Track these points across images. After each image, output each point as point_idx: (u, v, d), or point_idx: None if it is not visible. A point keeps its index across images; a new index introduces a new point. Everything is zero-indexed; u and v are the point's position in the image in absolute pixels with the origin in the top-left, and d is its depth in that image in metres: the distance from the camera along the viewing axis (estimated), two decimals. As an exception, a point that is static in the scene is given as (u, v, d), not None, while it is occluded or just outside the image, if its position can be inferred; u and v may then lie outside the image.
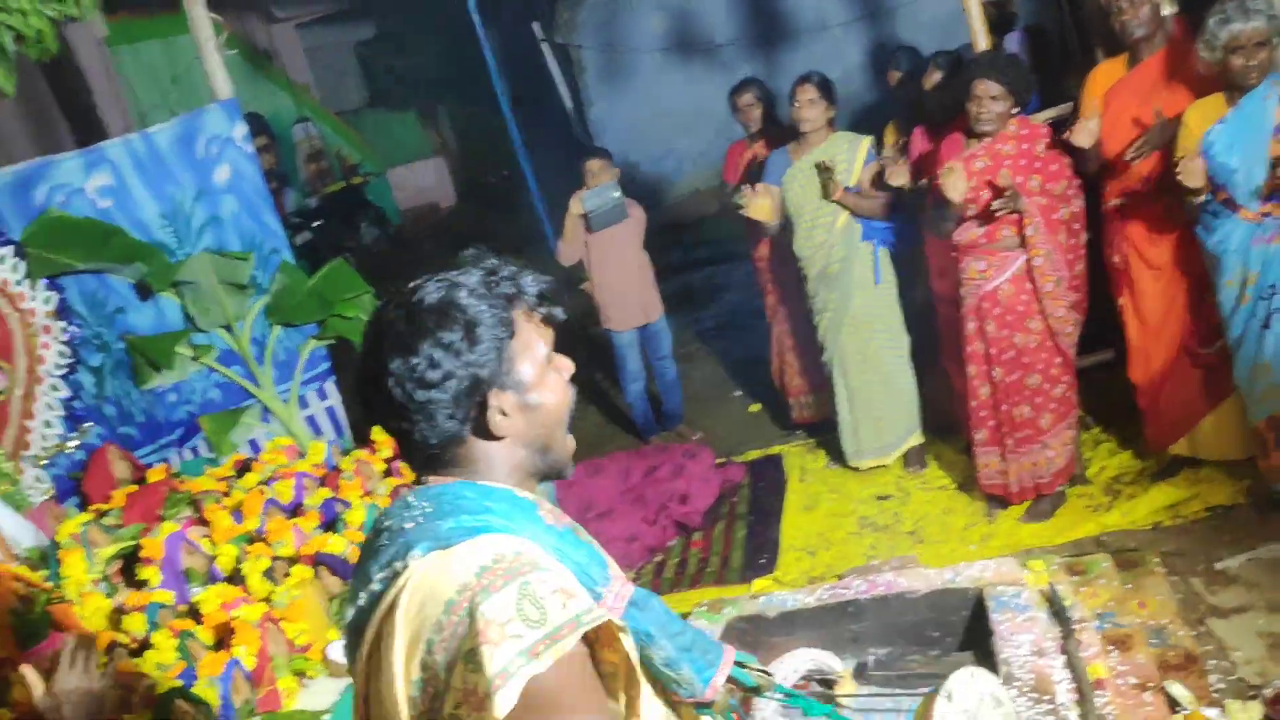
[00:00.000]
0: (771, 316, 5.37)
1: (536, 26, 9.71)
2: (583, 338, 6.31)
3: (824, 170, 4.44)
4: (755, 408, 5.96)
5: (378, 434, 4.86)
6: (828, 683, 2.12)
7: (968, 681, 2.09)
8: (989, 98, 3.83)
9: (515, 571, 1.25)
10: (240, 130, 5.20)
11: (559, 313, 1.50)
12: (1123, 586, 3.40)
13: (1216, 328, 3.86)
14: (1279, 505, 3.77)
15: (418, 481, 1.48)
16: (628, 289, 5.51)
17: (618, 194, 5.30)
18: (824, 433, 5.18)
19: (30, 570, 3.75)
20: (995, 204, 3.82)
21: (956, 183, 3.84)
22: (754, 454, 5.45)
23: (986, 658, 2.93)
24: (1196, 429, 4.05)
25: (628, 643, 1.34)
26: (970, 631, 3.18)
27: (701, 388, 6.30)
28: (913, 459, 4.85)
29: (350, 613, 1.43)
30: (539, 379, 1.45)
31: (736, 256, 8.05)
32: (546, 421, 1.46)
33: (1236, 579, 3.55)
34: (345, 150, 11.40)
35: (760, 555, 4.55)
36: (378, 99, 13.16)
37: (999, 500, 4.32)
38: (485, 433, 1.41)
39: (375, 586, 1.36)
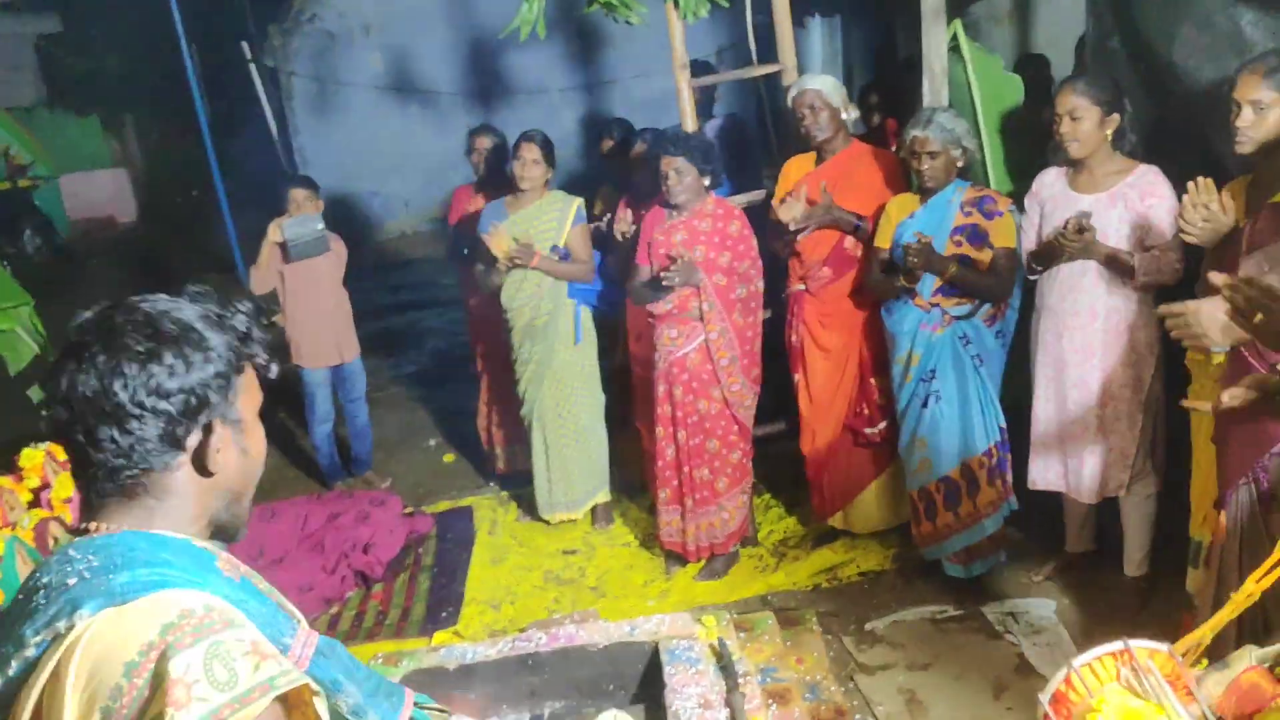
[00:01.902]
0: (481, 365, 5.35)
1: (245, 46, 9.28)
2: (267, 373, 6.00)
3: (518, 252, 4.50)
4: (449, 457, 5.89)
5: (26, 459, 4.37)
6: None
7: None
8: (674, 170, 4.07)
9: (205, 629, 1.17)
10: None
11: (275, 370, 1.47)
12: (784, 643, 3.63)
13: (880, 409, 4.26)
14: (924, 571, 4.16)
15: (79, 531, 1.34)
16: (323, 325, 5.32)
17: (320, 226, 5.13)
18: (520, 485, 5.20)
19: None
20: (664, 274, 4.03)
21: (685, 270, 4.02)
22: (444, 504, 5.37)
23: (658, 709, 3.01)
24: (853, 504, 4.43)
25: (321, 706, 1.29)
26: (644, 684, 3.26)
27: (394, 434, 6.16)
28: (600, 515, 4.96)
29: None
30: (253, 427, 1.42)
31: (441, 303, 8.00)
32: (248, 472, 1.42)
33: (882, 639, 3.87)
34: (15, 149, 10.34)
35: (443, 608, 4.46)
36: (56, 98, 12.06)
37: (678, 558, 4.49)
38: (199, 464, 1.34)
39: (30, 652, 1.21)
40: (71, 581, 1.23)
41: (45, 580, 1.26)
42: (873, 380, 4.24)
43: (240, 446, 1.39)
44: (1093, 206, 3.50)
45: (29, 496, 4.15)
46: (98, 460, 1.30)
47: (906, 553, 4.30)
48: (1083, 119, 3.45)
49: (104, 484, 1.32)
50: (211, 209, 9.20)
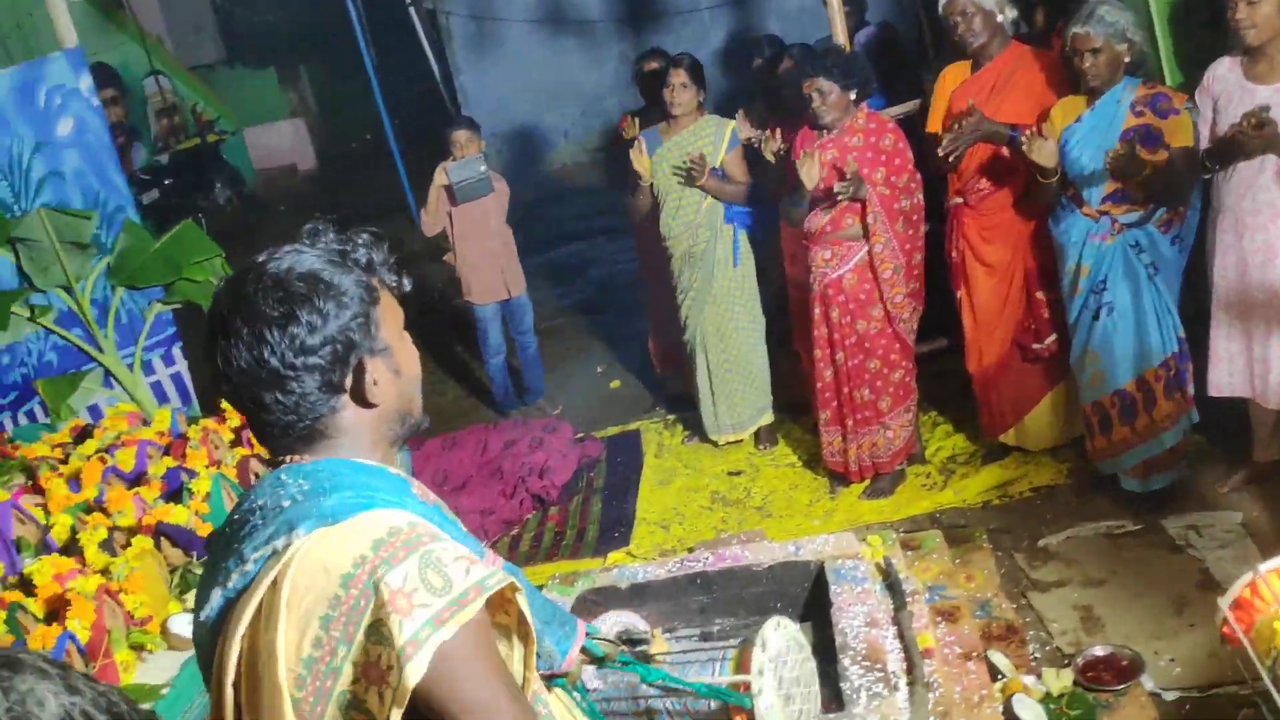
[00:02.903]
0: (648, 292, 5.43)
1: (404, -10, 9.51)
2: (444, 310, 6.26)
3: (694, 162, 4.52)
4: (615, 384, 6.03)
5: (227, 403, 4.74)
6: (638, 642, 2.21)
7: (777, 629, 2.23)
8: (817, 92, 3.99)
9: (415, 543, 1.25)
10: (85, 81, 4.98)
11: (408, 283, 1.50)
12: (952, 561, 3.61)
13: (1048, 323, 4.12)
14: (1100, 486, 4.05)
15: (277, 461, 1.43)
16: (490, 262, 5.50)
17: (483, 168, 5.28)
18: (685, 409, 5.29)
19: None
20: (837, 187, 3.97)
21: (811, 170, 3.98)
22: (612, 429, 5.53)
23: (824, 628, 3.07)
24: (1023, 420, 4.31)
25: (522, 601, 1.35)
26: (810, 603, 3.32)
27: (563, 363, 6.33)
28: (764, 436, 5.00)
29: (216, 595, 1.37)
30: (400, 346, 1.46)
31: (604, 232, 8.11)
32: (405, 391, 1.47)
33: (1056, 555, 3.80)
34: (201, 106, 10.95)
35: (615, 529, 4.63)
36: (235, 55, 12.66)
37: (842, 478, 4.51)
38: (361, 399, 1.40)
39: (250, 568, 1.32)
40: (286, 504, 1.33)
41: (260, 502, 1.37)
42: (1040, 294, 4.09)
43: (393, 370, 1.43)
44: (1272, 98, 3.26)
45: (230, 436, 4.51)
46: (271, 421, 1.39)
47: (1081, 468, 4.17)
48: (1260, 1, 3.20)
49: (282, 439, 1.41)
50: (383, 152, 9.57)
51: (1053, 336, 4.12)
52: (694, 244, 4.72)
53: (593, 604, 3.42)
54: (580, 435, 5.39)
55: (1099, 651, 3.19)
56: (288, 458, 1.42)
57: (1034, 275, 4.09)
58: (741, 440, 5.02)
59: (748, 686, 2.13)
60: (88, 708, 0.70)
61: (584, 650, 1.87)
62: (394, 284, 1.47)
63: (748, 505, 4.61)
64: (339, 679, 1.24)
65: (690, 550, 3.75)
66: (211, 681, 1.37)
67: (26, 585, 3.48)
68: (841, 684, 2.75)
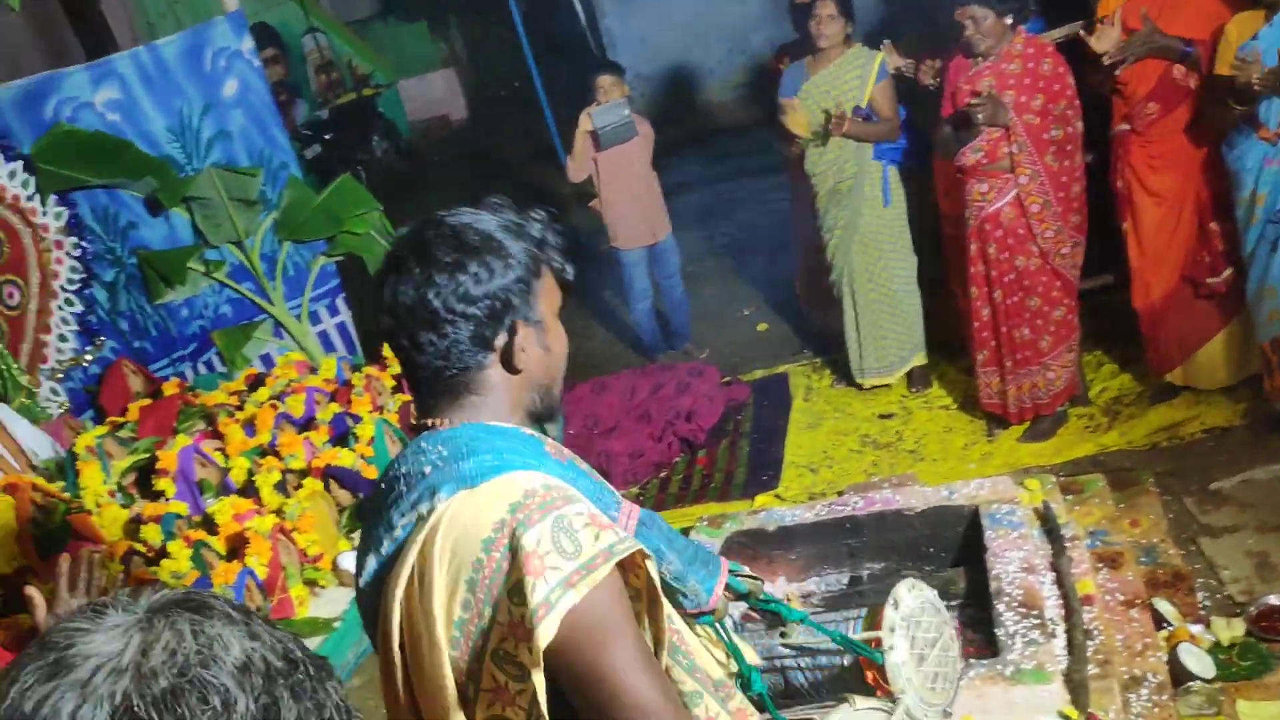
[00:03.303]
0: (796, 232, 5.36)
1: (548, -65, 9.52)
2: (590, 256, 6.32)
3: (833, 120, 4.41)
4: (763, 327, 5.99)
5: (389, 349, 4.92)
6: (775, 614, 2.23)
7: (910, 590, 2.19)
8: (970, 19, 3.81)
9: (549, 505, 1.29)
10: (247, 43, 5.17)
11: (571, 272, 1.55)
12: (1116, 505, 3.47)
13: (1222, 256, 3.86)
14: (1278, 427, 3.80)
15: (419, 427, 1.50)
16: (635, 207, 5.51)
17: (627, 112, 5.27)
18: (834, 351, 5.22)
19: (48, 481, 3.86)
20: (970, 103, 3.79)
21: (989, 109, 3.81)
22: (760, 373, 5.50)
23: (979, 573, 3.00)
24: (1194, 358, 4.08)
25: (652, 568, 1.38)
26: (964, 548, 3.25)
27: (710, 306, 6.32)
28: (917, 378, 4.89)
29: (371, 561, 1.45)
30: (553, 325, 1.51)
31: (751, 172, 8.01)
32: (551, 367, 1.52)
33: (1229, 499, 3.60)
34: (357, 61, 11.27)
35: (763, 472, 4.63)
36: (388, 9, 12.95)
37: (999, 420, 4.37)
38: (507, 362, 1.45)
39: (398, 533, 1.39)
40: (427, 470, 1.39)
41: (404, 470, 1.43)
42: (1213, 224, 3.84)
43: (543, 345, 1.49)
44: None
45: (392, 383, 4.69)
46: (421, 362, 1.45)
47: (1258, 408, 3.93)
48: None
49: (432, 384, 1.47)
50: (531, 99, 9.65)
51: (1228, 270, 3.87)
52: (840, 181, 4.61)
53: (740, 546, 3.43)
54: (727, 379, 5.39)
55: (1275, 600, 3.02)
56: (429, 421, 1.47)
57: (1206, 205, 3.84)
58: (892, 383, 4.92)
59: (879, 643, 2.11)
60: (266, 653, 0.74)
61: (728, 587, 1.89)
62: (559, 266, 1.52)
63: (899, 449, 4.53)
64: (489, 638, 1.29)
65: (840, 494, 3.71)
66: (378, 642, 1.43)
67: (209, 524, 3.72)
68: (995, 630, 2.69)
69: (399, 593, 1.36)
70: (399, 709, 1.42)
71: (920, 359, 4.86)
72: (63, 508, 3.70)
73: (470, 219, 1.46)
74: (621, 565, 1.33)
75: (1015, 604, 2.77)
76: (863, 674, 2.21)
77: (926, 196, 4.67)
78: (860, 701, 1.90)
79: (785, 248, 5.69)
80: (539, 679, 1.25)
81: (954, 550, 3.30)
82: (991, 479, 3.37)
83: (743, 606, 2.03)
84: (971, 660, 2.57)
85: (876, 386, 4.94)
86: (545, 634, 1.22)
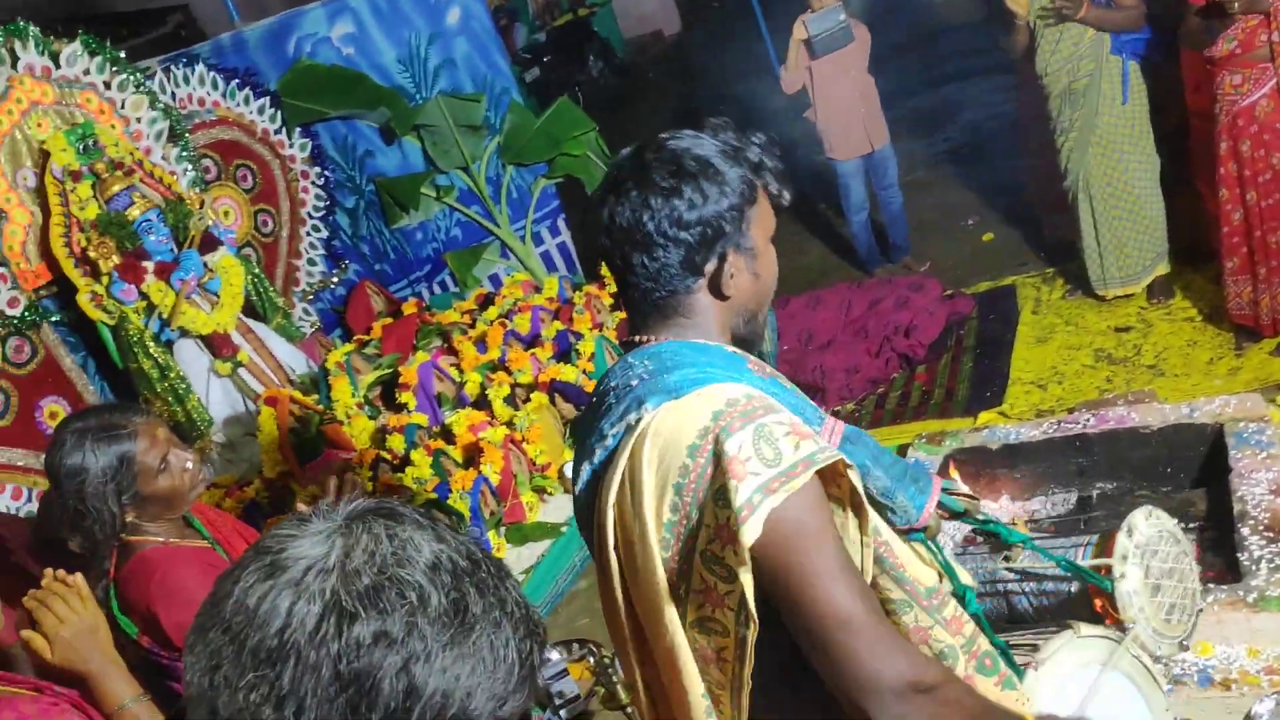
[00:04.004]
0: (1025, 136, 5.09)
1: None
2: (806, 168, 6.21)
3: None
4: (988, 237, 5.74)
5: (606, 269, 5.05)
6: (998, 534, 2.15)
7: (1148, 518, 2.08)
8: None
9: (750, 414, 1.31)
10: (468, -29, 5.32)
11: (788, 197, 1.54)
12: (1382, 425, 3.17)
13: None
14: None
15: (629, 344, 1.54)
16: (851, 116, 5.37)
17: (842, 17, 5.11)
18: (1067, 260, 4.95)
19: (303, 395, 4.21)
20: None
21: None
22: (985, 285, 5.30)
23: (1220, 495, 2.84)
24: None
25: (854, 476, 1.39)
26: (1205, 468, 3.07)
27: (931, 216, 6.11)
28: (1158, 289, 4.58)
29: (585, 469, 1.52)
30: (764, 251, 1.51)
31: (975, 73, 7.63)
32: (760, 294, 1.53)
33: None
34: (570, -23, 11.39)
35: (987, 388, 4.48)
36: (599, -75, 12.97)
37: (1250, 332, 4.05)
38: (715, 288, 1.48)
39: (609, 442, 1.45)
40: (634, 383, 1.44)
41: (614, 384, 1.49)
42: None
43: (752, 271, 1.50)
44: None
45: (610, 300, 4.81)
46: (633, 283, 1.49)
47: None
48: None
49: (641, 304, 1.51)
50: (745, 10, 9.47)
51: None
52: (1074, 79, 4.32)
53: (961, 464, 3.36)
54: (949, 292, 5.22)
55: None
56: (637, 339, 1.52)
57: None
58: (1131, 294, 4.63)
59: (1109, 571, 2.02)
60: (452, 554, 0.81)
61: (942, 505, 1.86)
62: (776, 191, 1.52)
63: (1137, 364, 4.28)
64: (697, 539, 1.34)
65: (1070, 411, 3.56)
66: (594, 545, 1.51)
67: (447, 434, 3.98)
68: (1238, 554, 2.55)
69: (611, 498, 1.42)
70: (615, 609, 1.49)
71: (1163, 268, 4.55)
72: (317, 419, 4.04)
73: (689, 143, 1.47)
74: (823, 476, 1.34)
75: (1261, 527, 2.61)
76: (1091, 602, 2.14)
77: (1169, 92, 4.31)
78: (1085, 629, 1.85)
79: (1012, 153, 5.41)
80: (747, 579, 1.28)
81: (1193, 471, 3.12)
82: (1239, 395, 3.16)
83: (965, 529, 2.00)
84: (1210, 585, 2.45)
85: (1114, 297, 4.67)
86: (750, 534, 1.25)
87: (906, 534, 1.71)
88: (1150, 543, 2.06)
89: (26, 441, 4.05)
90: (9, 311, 4.09)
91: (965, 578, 1.75)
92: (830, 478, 1.38)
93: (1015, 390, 4.40)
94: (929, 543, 1.76)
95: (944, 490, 1.86)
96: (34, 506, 3.99)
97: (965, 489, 1.95)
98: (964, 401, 4.45)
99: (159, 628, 2.02)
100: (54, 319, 4.30)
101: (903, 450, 3.63)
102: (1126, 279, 4.58)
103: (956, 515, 1.93)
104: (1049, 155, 4.63)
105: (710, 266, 1.46)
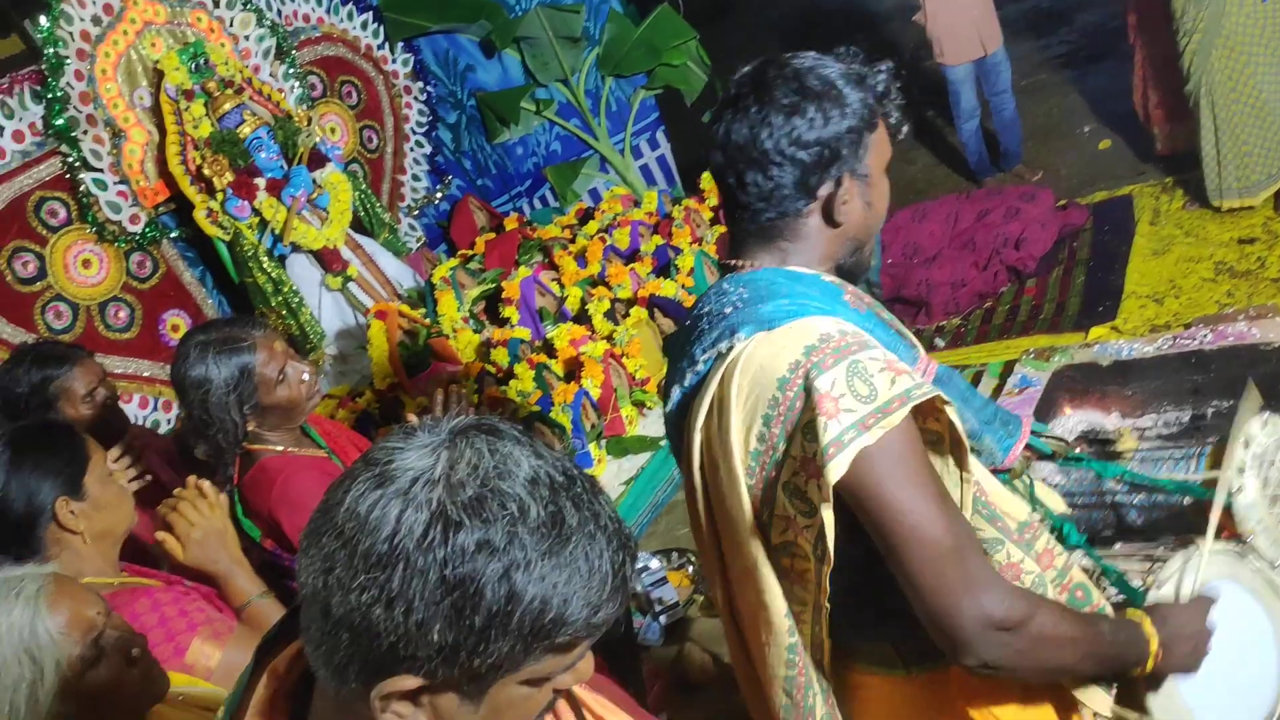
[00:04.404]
0: (1134, 37, 4.84)
1: None
2: (914, 73, 6.01)
3: None
4: (1105, 144, 5.51)
5: (706, 182, 5.01)
6: (1106, 441, 2.08)
7: (1264, 427, 2.00)
8: None
9: (844, 350, 1.30)
10: (565, -122, 5.23)
11: (906, 130, 1.51)
12: None
13: None
14: None
15: (726, 267, 1.53)
16: (963, 18, 5.16)
17: (954, -87, 4.89)
18: (1187, 170, 4.73)
19: (411, 309, 4.31)
20: None
21: None
22: (1100, 195, 5.10)
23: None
24: None
25: (953, 413, 1.36)
26: (1331, 387, 2.94)
27: (1045, 123, 5.87)
28: (1287, 199, 4.36)
29: (675, 392, 1.52)
30: (879, 181, 1.49)
31: (1093, -28, 7.26)
32: (869, 224, 1.50)
33: None
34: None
35: (1099, 302, 4.35)
36: None
37: (1390, 245, 3.84)
38: (827, 214, 1.45)
39: (700, 367, 1.45)
40: (728, 310, 1.43)
41: (707, 309, 1.48)
42: None
43: (865, 200, 1.47)
44: None
45: (710, 214, 4.78)
46: (743, 202, 1.47)
47: None
48: None
49: (747, 225, 1.49)
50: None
51: None
52: (1203, -25, 4.08)
53: (1069, 381, 3.29)
54: (1062, 202, 5.04)
55: None
56: (735, 262, 1.50)
57: None
58: (1255, 204, 4.41)
59: (1223, 484, 1.96)
60: (550, 469, 0.85)
61: (1030, 447, 1.84)
62: (895, 122, 1.49)
63: (1261, 277, 4.09)
64: (781, 470, 1.34)
65: (1186, 326, 3.44)
66: (682, 465, 1.53)
67: (549, 348, 4.04)
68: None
69: (699, 422, 1.43)
70: (701, 526, 1.52)
71: (1292, 177, 4.32)
72: (424, 332, 4.15)
73: (814, 63, 1.44)
74: (918, 413, 1.33)
75: (1390, 450, 2.50)
76: (1205, 514, 2.09)
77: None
78: (1203, 544, 1.81)
79: (1131, 56, 5.15)
80: (827, 515, 1.29)
81: (1318, 389, 2.99)
82: (1371, 311, 3.00)
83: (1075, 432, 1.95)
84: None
85: (1237, 208, 4.45)
86: (835, 471, 1.25)
87: (994, 475, 1.69)
88: (1268, 453, 2.00)
89: (151, 353, 4.25)
90: (131, 228, 4.26)
91: (1058, 505, 1.73)
92: (928, 413, 1.36)
93: (1129, 304, 4.26)
94: (1018, 481, 1.74)
95: (1034, 433, 1.83)
96: (159, 415, 4.20)
97: (1054, 433, 1.91)
98: (1075, 316, 4.33)
99: (280, 532, 2.13)
100: (173, 235, 4.47)
101: (1009, 367, 3.57)
102: (1245, 190, 4.37)
103: (1045, 457, 1.90)
104: (1170, 58, 4.40)
105: (824, 190, 1.44)
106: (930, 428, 1.39)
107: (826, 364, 1.29)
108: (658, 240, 4.61)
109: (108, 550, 1.82)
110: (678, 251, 4.49)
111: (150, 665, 1.42)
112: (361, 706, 0.84)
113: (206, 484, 1.96)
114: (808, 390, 1.29)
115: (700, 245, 4.55)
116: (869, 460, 1.26)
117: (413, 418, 2.17)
